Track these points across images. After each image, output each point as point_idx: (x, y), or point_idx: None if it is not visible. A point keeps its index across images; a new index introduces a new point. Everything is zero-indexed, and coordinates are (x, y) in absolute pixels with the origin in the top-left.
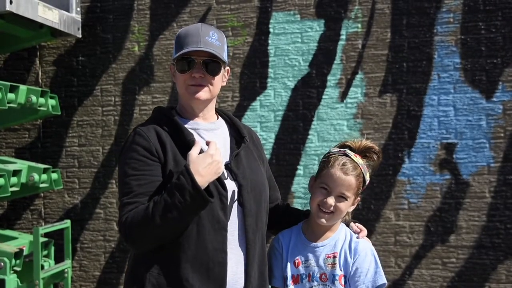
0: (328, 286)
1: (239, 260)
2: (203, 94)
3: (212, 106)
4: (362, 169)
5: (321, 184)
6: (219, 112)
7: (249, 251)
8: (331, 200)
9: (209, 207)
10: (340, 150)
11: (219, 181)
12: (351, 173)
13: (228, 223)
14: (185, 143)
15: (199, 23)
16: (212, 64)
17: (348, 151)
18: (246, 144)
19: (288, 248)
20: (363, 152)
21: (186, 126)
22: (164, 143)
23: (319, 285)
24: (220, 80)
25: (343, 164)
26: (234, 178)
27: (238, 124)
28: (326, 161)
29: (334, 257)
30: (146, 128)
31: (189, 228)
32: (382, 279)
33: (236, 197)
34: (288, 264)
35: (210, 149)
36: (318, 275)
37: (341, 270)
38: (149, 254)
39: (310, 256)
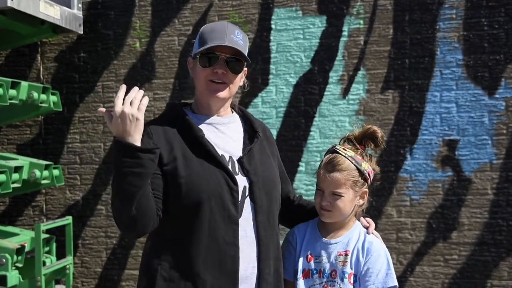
0: (337, 283)
1: (251, 256)
2: (223, 92)
3: (228, 103)
4: (353, 161)
5: (316, 186)
6: (234, 107)
7: (261, 247)
8: (325, 201)
9: (220, 202)
10: (331, 147)
11: (229, 175)
12: (336, 169)
13: (241, 219)
14: (195, 139)
15: (224, 21)
16: (234, 62)
17: (337, 147)
18: (259, 140)
19: (302, 242)
20: (363, 141)
21: (200, 122)
22: (171, 141)
23: (328, 281)
24: (240, 79)
25: (328, 162)
26: (246, 174)
27: (251, 118)
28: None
29: (346, 255)
30: (155, 125)
31: (201, 222)
32: (393, 281)
33: (247, 193)
34: (301, 258)
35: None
36: (328, 272)
37: (351, 269)
38: (162, 248)
39: (323, 252)
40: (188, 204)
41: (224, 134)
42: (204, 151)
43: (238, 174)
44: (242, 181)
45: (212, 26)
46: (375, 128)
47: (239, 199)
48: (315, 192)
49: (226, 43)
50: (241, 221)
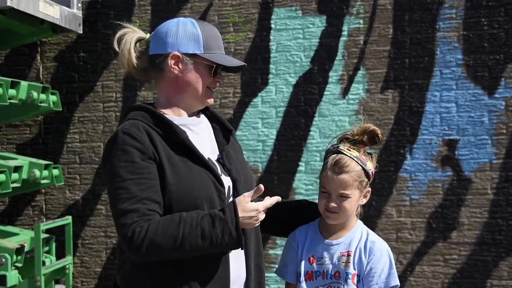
0: (341, 284)
1: (239, 255)
2: (212, 98)
3: None
4: (359, 161)
5: (321, 188)
6: None
7: (247, 245)
8: (332, 203)
9: (210, 206)
10: (334, 148)
11: (216, 177)
12: (344, 171)
13: None
14: (178, 142)
15: (211, 24)
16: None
17: (340, 147)
18: (234, 138)
19: (304, 244)
20: (363, 139)
21: (175, 123)
22: (156, 144)
23: (332, 282)
24: None
25: (334, 164)
26: (228, 173)
27: (220, 117)
28: (323, 164)
29: (349, 255)
30: (136, 128)
31: None
32: (396, 281)
33: (231, 193)
34: (303, 261)
35: (260, 204)
36: (332, 273)
37: (354, 269)
38: (149, 265)
39: (325, 253)
40: (179, 212)
41: (198, 134)
42: (189, 153)
43: (221, 175)
44: (226, 182)
45: (212, 31)
46: (374, 126)
47: (226, 201)
48: (320, 195)
49: (242, 62)
50: None
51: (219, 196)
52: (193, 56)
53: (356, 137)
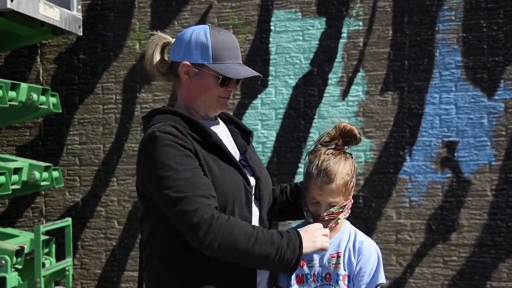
0: (332, 286)
1: None
2: (226, 105)
3: None
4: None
5: (309, 199)
6: None
7: None
8: (321, 211)
9: (239, 204)
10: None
11: (244, 177)
12: (332, 179)
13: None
14: (210, 143)
15: (230, 32)
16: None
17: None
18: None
19: None
20: (341, 140)
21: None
22: (192, 142)
23: (323, 285)
24: None
25: (321, 173)
26: (251, 173)
27: (236, 120)
28: (306, 174)
29: (338, 256)
30: (171, 128)
31: None
32: (382, 279)
33: (253, 191)
34: None
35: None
36: (323, 275)
37: (345, 270)
38: (180, 259)
39: (314, 256)
40: None
41: (222, 137)
42: (220, 154)
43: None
44: (252, 181)
45: (224, 40)
46: (350, 126)
47: (252, 200)
48: (308, 202)
49: (256, 72)
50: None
51: (247, 195)
52: (201, 66)
53: (335, 140)
